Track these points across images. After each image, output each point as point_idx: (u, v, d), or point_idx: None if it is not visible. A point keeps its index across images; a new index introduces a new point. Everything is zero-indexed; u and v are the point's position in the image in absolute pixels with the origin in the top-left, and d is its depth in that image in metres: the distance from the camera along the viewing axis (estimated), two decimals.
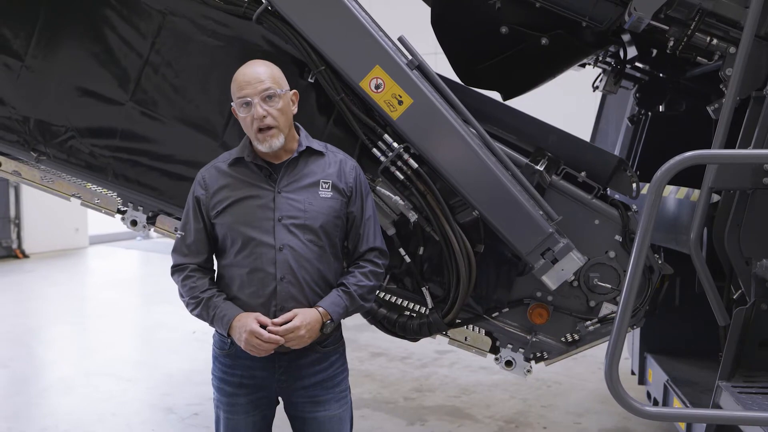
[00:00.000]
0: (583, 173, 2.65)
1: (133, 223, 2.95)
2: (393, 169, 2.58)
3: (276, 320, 2.08)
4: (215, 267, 2.29)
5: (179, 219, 3.03)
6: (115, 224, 3.22)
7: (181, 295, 2.21)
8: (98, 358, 5.59)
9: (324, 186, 2.19)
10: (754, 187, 2.26)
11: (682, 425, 3.07)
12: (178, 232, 2.27)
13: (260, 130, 2.11)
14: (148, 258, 10.16)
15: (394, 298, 2.73)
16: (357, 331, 6.10)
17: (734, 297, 2.44)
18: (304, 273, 2.14)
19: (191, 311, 2.19)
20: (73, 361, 5.51)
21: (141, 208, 2.93)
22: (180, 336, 6.03)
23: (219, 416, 2.27)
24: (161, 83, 2.75)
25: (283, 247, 2.12)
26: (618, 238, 2.61)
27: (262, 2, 2.61)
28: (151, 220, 2.97)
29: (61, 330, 6.45)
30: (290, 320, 2.07)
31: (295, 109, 2.22)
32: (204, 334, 5.93)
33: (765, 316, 2.26)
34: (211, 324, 2.17)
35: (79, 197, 3.04)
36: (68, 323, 6.67)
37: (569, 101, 6.20)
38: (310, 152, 2.22)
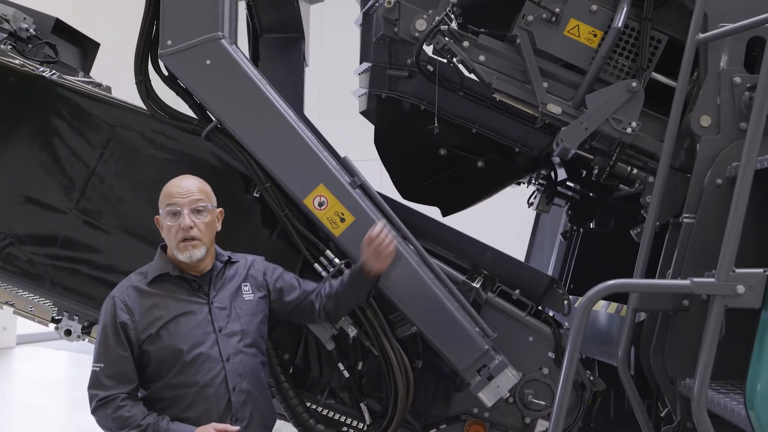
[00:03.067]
0: (517, 291, 2.75)
1: (67, 332, 2.88)
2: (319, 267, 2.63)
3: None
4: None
5: None
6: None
7: (113, 429, 2.08)
8: None
9: (245, 288, 2.26)
10: (675, 309, 2.38)
11: None
12: (95, 365, 2.13)
13: (184, 239, 2.13)
14: (79, 359, 9.70)
15: (332, 414, 2.72)
16: None
17: (662, 415, 2.52)
18: (251, 378, 2.19)
19: None
20: None
21: (77, 318, 2.88)
22: None
23: None
24: (107, 193, 2.77)
25: (229, 358, 2.13)
26: (551, 354, 2.69)
27: (212, 120, 2.71)
28: (86, 330, 2.91)
29: None
30: None
31: (219, 227, 2.28)
32: None
33: None
34: None
35: (12, 305, 2.97)
36: None
37: (508, 216, 6.43)
38: (228, 262, 2.30)
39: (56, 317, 2.91)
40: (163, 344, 2.12)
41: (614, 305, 3.27)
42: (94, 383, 2.11)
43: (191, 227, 2.13)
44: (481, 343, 2.53)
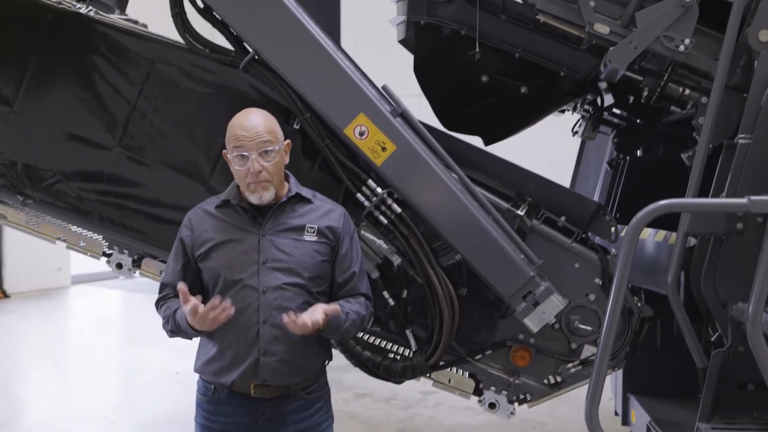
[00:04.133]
0: (563, 218, 2.71)
1: (119, 266, 2.96)
2: (377, 213, 2.62)
3: None
4: None
5: (165, 262, 3.06)
6: (98, 263, 3.22)
7: (162, 320, 2.22)
8: (80, 400, 5.50)
9: (310, 230, 2.19)
10: (728, 232, 2.32)
11: None
12: (162, 276, 2.32)
13: (254, 182, 2.12)
14: (131, 298, 10.07)
15: (378, 341, 2.76)
16: (342, 371, 6.04)
17: (712, 339, 2.49)
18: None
19: (168, 333, 2.21)
20: (54, 404, 5.42)
21: (126, 251, 2.95)
22: (163, 378, 5.95)
23: None
24: (148, 129, 2.79)
25: (266, 290, 2.14)
26: (598, 281, 2.66)
27: (249, 51, 2.68)
28: (137, 263, 2.98)
29: (42, 372, 6.35)
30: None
31: (287, 160, 2.23)
32: (187, 375, 5.86)
33: (742, 358, 2.29)
34: (183, 333, 2.15)
35: (64, 240, 3.04)
36: (49, 365, 6.57)
37: (551, 145, 6.32)
38: (298, 198, 2.23)
39: (107, 251, 2.99)
40: (209, 265, 2.17)
41: (662, 233, 3.20)
42: (159, 288, 2.28)
43: (260, 171, 2.11)
44: (526, 270, 2.52)
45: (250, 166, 2.09)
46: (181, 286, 2.02)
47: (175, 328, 2.16)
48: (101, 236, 2.97)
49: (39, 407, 5.35)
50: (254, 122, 2.13)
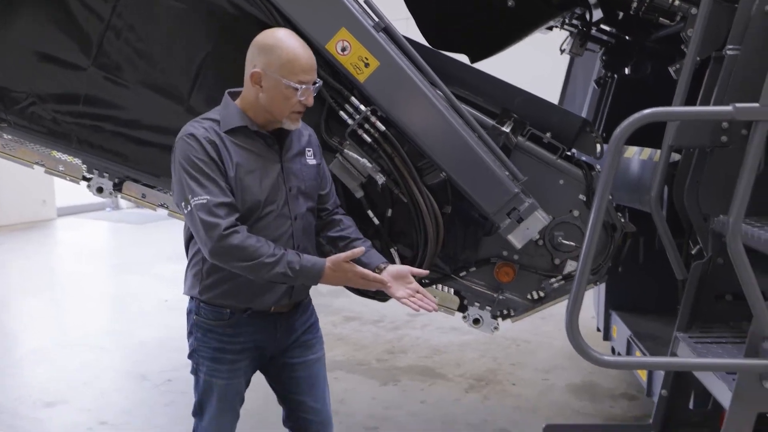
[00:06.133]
0: (548, 134, 2.68)
1: (99, 190, 2.93)
2: (360, 131, 2.59)
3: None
4: None
5: (147, 185, 3.02)
6: (83, 196, 3.20)
7: (242, 259, 1.99)
8: (71, 328, 5.57)
9: (308, 153, 2.25)
10: (713, 145, 2.31)
11: (644, 376, 3.18)
12: (199, 198, 1.98)
13: (298, 112, 2.10)
14: (118, 229, 10.05)
15: None
16: (331, 296, 6.15)
17: (693, 252, 2.52)
18: (310, 238, 2.25)
19: (267, 271, 2.00)
20: (45, 332, 5.48)
21: (106, 175, 2.91)
22: (152, 305, 6.02)
23: (212, 383, 2.24)
24: (124, 47, 2.70)
25: (297, 217, 2.16)
26: (582, 197, 2.67)
27: None
28: (118, 187, 2.95)
29: (32, 301, 6.39)
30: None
31: None
32: (177, 302, 5.92)
33: (721, 270, 2.33)
34: (290, 279, 2.05)
35: (42, 165, 3.00)
36: (39, 295, 6.61)
37: (538, 64, 6.23)
38: None
39: (87, 175, 2.95)
40: (243, 193, 2.07)
41: (647, 151, 3.20)
42: (209, 213, 1.97)
43: (309, 106, 2.11)
44: (510, 187, 2.51)
45: (306, 99, 2.08)
46: (357, 251, 2.09)
47: (286, 272, 2.01)
48: (80, 160, 2.93)
49: (31, 336, 5.41)
50: (312, 58, 2.11)
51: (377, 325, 5.45)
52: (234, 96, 2.17)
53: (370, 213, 2.66)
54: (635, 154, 3.28)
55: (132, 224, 10.18)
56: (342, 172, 2.62)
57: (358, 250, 2.13)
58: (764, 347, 1.80)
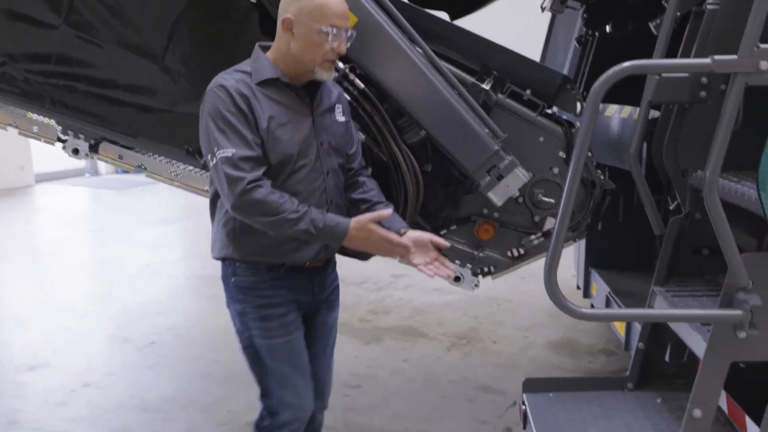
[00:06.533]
0: (528, 91, 2.67)
1: (75, 151, 2.89)
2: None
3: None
4: None
5: (125, 147, 2.99)
6: (62, 161, 3.17)
7: (265, 214, 1.96)
8: (52, 293, 5.54)
9: (338, 110, 2.23)
10: (692, 100, 2.31)
11: (622, 332, 3.24)
12: (224, 151, 1.94)
13: (331, 60, 2.07)
14: (98, 194, 9.95)
15: None
16: None
17: (671, 208, 2.54)
18: (341, 194, 2.24)
19: (290, 227, 1.97)
20: (26, 298, 5.46)
21: (82, 136, 2.86)
22: (134, 270, 5.99)
23: (268, 345, 2.18)
24: (96, 6, 2.64)
25: (329, 172, 2.15)
26: (562, 154, 2.66)
27: None
28: (94, 148, 2.91)
29: (13, 267, 6.34)
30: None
31: None
32: (160, 266, 5.92)
33: (698, 225, 2.35)
34: (312, 237, 2.02)
35: (16, 126, 2.94)
36: (19, 261, 6.56)
37: (519, 22, 6.17)
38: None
39: (62, 137, 2.90)
40: (276, 146, 2.04)
41: (627, 109, 3.20)
42: (234, 167, 1.93)
43: (343, 53, 2.07)
44: (490, 144, 2.50)
45: (339, 47, 2.04)
46: (384, 212, 2.07)
47: (308, 229, 1.98)
48: (54, 121, 2.88)
49: (12, 302, 5.38)
50: (344, 4, 2.07)
51: (361, 287, 5.48)
52: (264, 50, 2.13)
53: None
54: (615, 113, 3.28)
55: (112, 190, 10.08)
56: None
57: (385, 212, 2.10)
58: (738, 298, 1.83)
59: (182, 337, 4.48)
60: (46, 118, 2.89)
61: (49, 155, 2.92)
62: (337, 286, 2.40)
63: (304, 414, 2.28)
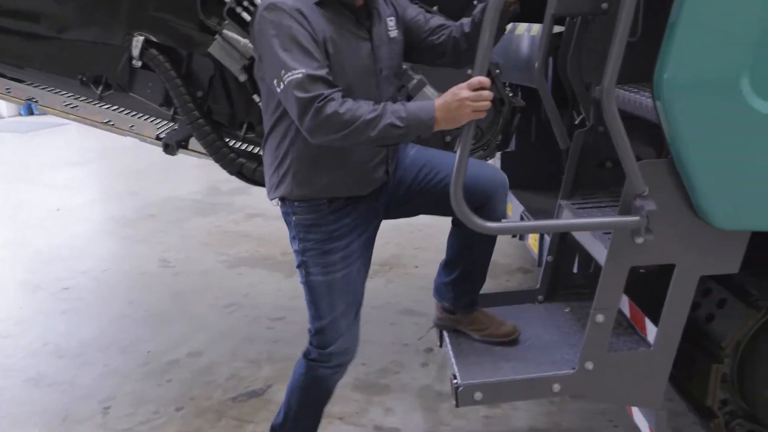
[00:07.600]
0: (435, 8, 2.62)
1: None
2: (239, 9, 2.44)
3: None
4: None
5: (12, 79, 2.78)
6: None
7: (344, 126, 1.80)
8: None
9: (390, 23, 2.07)
10: (594, 12, 2.31)
11: (536, 249, 3.33)
12: (293, 73, 1.78)
13: None
14: (1, 138, 9.38)
15: (251, 148, 2.69)
16: (230, 195, 6.05)
17: (576, 122, 2.58)
18: None
19: (374, 128, 1.81)
20: None
21: None
22: (44, 213, 5.72)
23: (325, 282, 2.12)
24: None
25: (387, 102, 1.97)
26: (471, 72, 2.64)
27: None
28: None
29: None
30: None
31: None
32: (71, 210, 5.67)
33: (602, 137, 2.40)
34: (401, 130, 1.85)
35: None
36: None
37: None
38: None
39: None
40: (336, 70, 1.89)
41: (537, 27, 3.19)
42: (304, 90, 1.78)
43: None
44: None
45: None
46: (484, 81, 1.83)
47: (395, 123, 1.82)
48: None
49: None
50: None
51: (281, 221, 5.40)
52: None
53: (256, 97, 2.56)
54: (525, 31, 3.27)
55: (16, 133, 9.53)
56: (222, 55, 2.48)
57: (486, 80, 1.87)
58: (636, 205, 1.88)
59: (97, 280, 4.34)
60: None
61: None
62: (408, 151, 2.24)
63: (351, 354, 2.26)
